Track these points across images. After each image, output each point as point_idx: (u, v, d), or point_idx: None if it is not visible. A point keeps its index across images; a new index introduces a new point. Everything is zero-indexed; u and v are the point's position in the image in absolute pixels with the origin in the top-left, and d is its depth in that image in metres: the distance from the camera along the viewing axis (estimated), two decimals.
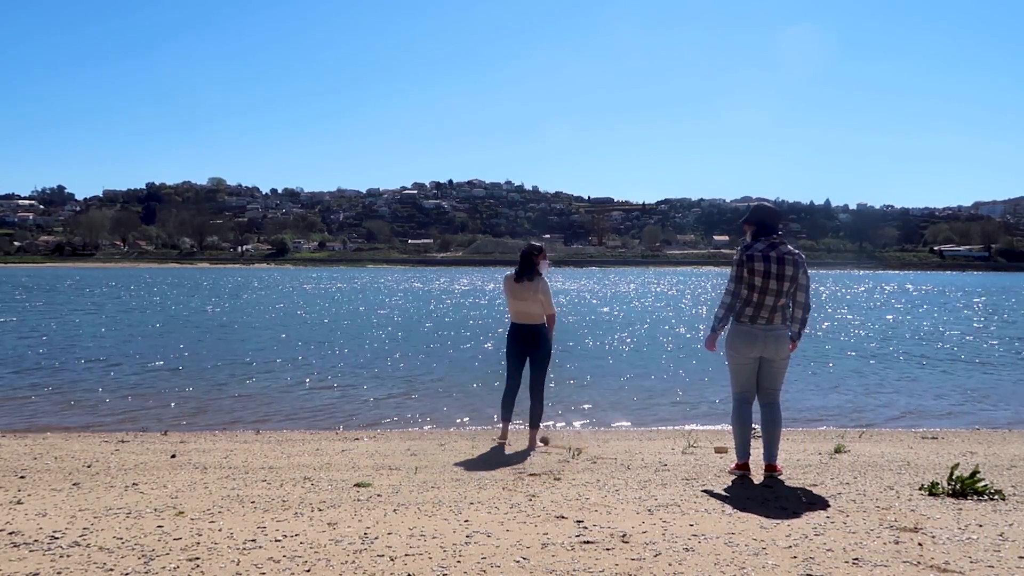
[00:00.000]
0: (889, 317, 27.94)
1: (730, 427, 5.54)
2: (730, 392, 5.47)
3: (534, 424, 6.97)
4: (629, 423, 9.19)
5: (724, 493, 4.86)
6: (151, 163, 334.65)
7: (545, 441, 7.28)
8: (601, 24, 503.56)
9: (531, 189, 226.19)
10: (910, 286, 64.55)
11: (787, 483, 5.23)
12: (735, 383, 5.33)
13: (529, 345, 6.78)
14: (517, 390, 7.00)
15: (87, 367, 13.26)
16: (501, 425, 7.18)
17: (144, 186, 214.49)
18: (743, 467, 5.30)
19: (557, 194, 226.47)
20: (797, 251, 5.15)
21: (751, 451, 5.36)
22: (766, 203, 5.43)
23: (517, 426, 8.83)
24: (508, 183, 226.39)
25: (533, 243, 6.94)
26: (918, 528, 3.97)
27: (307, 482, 5.23)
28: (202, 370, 13.05)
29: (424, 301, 37.06)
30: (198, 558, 3.38)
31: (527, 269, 6.68)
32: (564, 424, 9.18)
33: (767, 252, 5.09)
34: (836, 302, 38.15)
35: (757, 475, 5.31)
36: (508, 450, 6.89)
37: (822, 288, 54.36)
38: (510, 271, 6.84)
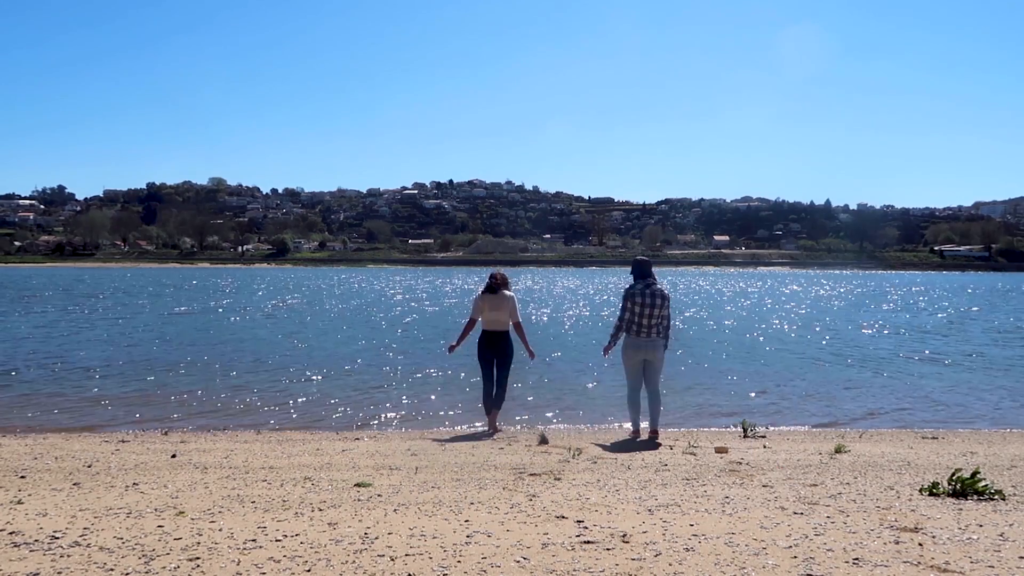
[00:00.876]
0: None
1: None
2: (628, 384, 7.69)
3: (496, 408, 8.17)
4: (629, 424, 9.17)
5: (724, 493, 4.86)
6: (151, 163, 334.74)
7: (545, 440, 7.31)
8: (601, 24, 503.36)
9: (531, 189, 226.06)
10: (916, 286, 64.45)
11: (787, 483, 5.24)
12: (629, 378, 7.61)
13: (496, 348, 8.00)
14: (492, 387, 8.14)
15: (88, 367, 13.26)
16: (488, 417, 8.22)
17: (144, 186, 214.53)
18: (635, 433, 7.68)
19: (557, 194, 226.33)
20: (665, 290, 7.49)
21: (641, 424, 7.68)
22: (642, 258, 7.71)
23: (522, 427, 8.84)
24: (508, 183, 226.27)
25: (498, 271, 8.29)
26: (918, 528, 3.96)
27: (307, 482, 5.23)
28: (203, 370, 13.05)
29: (426, 302, 37.07)
30: (198, 558, 3.38)
31: (499, 285, 8.01)
32: (564, 424, 9.18)
33: (643, 290, 7.39)
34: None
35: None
36: (508, 450, 6.90)
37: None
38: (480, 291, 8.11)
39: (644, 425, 7.71)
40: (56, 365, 13.42)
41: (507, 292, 7.99)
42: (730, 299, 41.08)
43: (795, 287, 60.51)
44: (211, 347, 16.60)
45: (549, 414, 9.69)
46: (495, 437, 7.81)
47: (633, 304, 7.37)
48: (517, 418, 9.27)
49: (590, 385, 11.87)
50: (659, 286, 7.43)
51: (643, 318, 7.33)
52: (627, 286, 7.55)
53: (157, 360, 14.22)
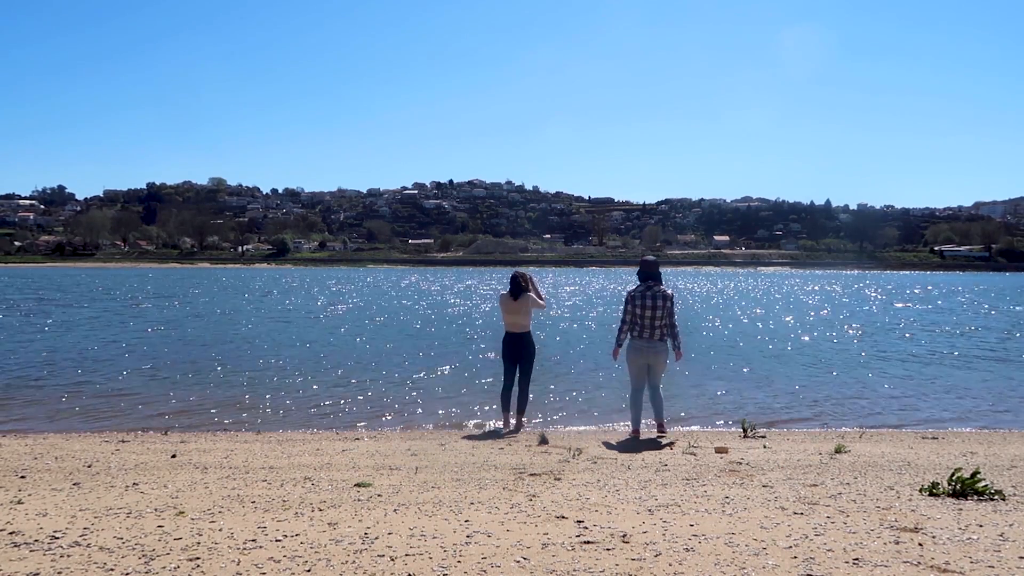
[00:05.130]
0: None
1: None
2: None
3: (520, 411, 8.32)
4: (629, 424, 9.17)
5: (724, 493, 4.86)
6: (151, 163, 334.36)
7: (545, 441, 7.31)
8: (602, 24, 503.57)
9: (532, 189, 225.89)
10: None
11: (787, 483, 5.24)
12: (632, 379, 7.66)
13: (518, 349, 8.16)
14: (512, 386, 8.30)
15: (89, 367, 13.26)
16: (503, 415, 8.33)
17: (144, 186, 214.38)
18: (635, 433, 7.63)
19: (558, 194, 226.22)
20: (668, 291, 7.47)
21: (641, 424, 7.68)
22: (648, 259, 7.69)
23: (523, 428, 8.82)
24: (509, 183, 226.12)
25: (520, 271, 8.37)
26: (918, 528, 3.96)
27: (307, 482, 5.23)
28: (203, 370, 13.05)
29: (428, 302, 37.06)
30: (198, 558, 3.38)
31: (519, 289, 8.06)
32: (564, 424, 9.17)
33: (644, 292, 7.42)
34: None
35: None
36: (508, 450, 6.90)
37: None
38: (505, 291, 8.24)
39: (644, 426, 7.78)
40: (57, 364, 13.42)
41: (527, 293, 8.07)
42: (732, 299, 41.08)
43: (797, 286, 60.52)
44: (212, 347, 16.59)
45: (549, 414, 9.68)
46: (508, 437, 7.75)
47: (633, 307, 7.43)
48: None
49: (590, 385, 11.86)
50: (661, 287, 7.45)
51: (644, 319, 7.37)
52: (630, 288, 7.66)
53: (159, 360, 14.21)
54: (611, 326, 23.15)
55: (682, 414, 9.75)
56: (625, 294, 7.61)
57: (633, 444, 7.30)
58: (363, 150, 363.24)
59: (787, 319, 26.79)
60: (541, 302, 8.18)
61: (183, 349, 16.14)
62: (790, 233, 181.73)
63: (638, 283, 7.58)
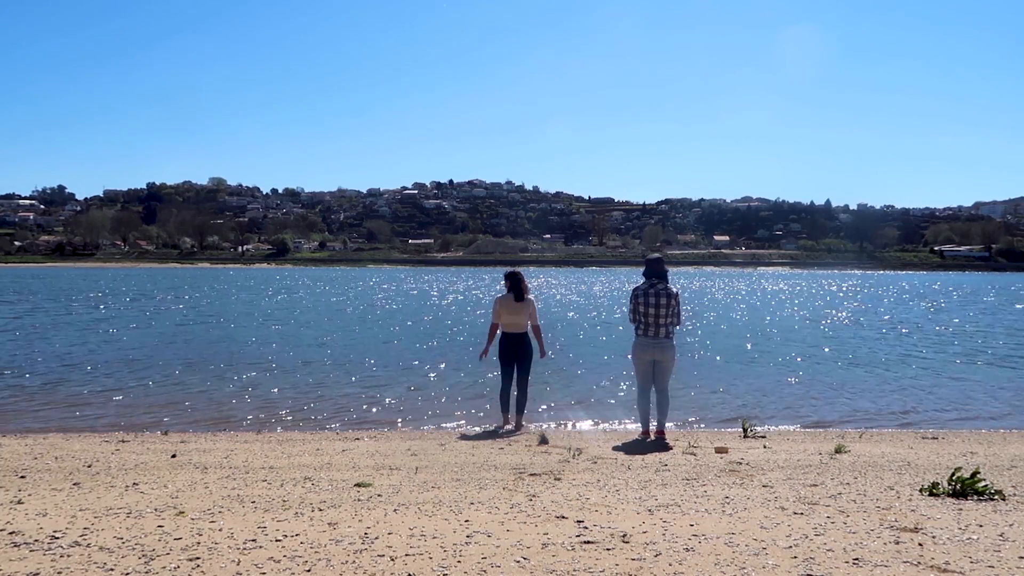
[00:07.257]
0: None
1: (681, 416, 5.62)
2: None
3: (520, 411, 8.42)
4: (629, 423, 9.17)
5: (724, 493, 4.86)
6: (151, 163, 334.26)
7: (545, 441, 7.32)
8: (602, 24, 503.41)
9: (532, 189, 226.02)
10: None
11: (787, 483, 5.24)
12: (638, 377, 7.62)
13: (517, 350, 8.26)
14: (511, 387, 8.40)
15: (89, 367, 13.26)
16: (503, 415, 8.47)
17: (144, 186, 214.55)
18: (645, 433, 7.59)
19: (558, 194, 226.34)
20: (673, 289, 7.45)
21: (651, 424, 7.56)
22: (652, 257, 7.65)
23: (522, 428, 8.83)
24: (509, 183, 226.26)
25: (516, 270, 8.50)
26: (918, 528, 3.96)
27: (307, 482, 5.23)
28: (203, 370, 13.05)
29: (428, 303, 37.06)
30: (198, 558, 3.38)
31: (522, 294, 8.18)
32: (564, 424, 9.18)
33: (647, 290, 7.39)
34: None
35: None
36: (508, 450, 6.91)
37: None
38: (501, 293, 8.38)
39: (653, 426, 7.57)
40: (57, 364, 13.42)
41: (528, 296, 8.22)
42: (734, 299, 41.08)
43: (796, 285, 60.53)
44: (212, 347, 16.59)
45: (550, 414, 9.69)
46: (508, 437, 7.74)
47: (637, 304, 7.41)
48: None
49: (590, 385, 11.86)
50: (667, 285, 7.42)
51: (649, 316, 7.33)
52: (635, 285, 7.63)
53: (160, 360, 14.22)
54: (614, 326, 23.19)
55: (682, 414, 9.75)
56: (631, 290, 7.55)
57: (634, 444, 7.31)
58: (363, 150, 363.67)
59: (782, 316, 26.81)
60: (537, 322, 8.31)
61: (184, 349, 16.14)
62: (790, 233, 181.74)
63: (642, 280, 7.52)
